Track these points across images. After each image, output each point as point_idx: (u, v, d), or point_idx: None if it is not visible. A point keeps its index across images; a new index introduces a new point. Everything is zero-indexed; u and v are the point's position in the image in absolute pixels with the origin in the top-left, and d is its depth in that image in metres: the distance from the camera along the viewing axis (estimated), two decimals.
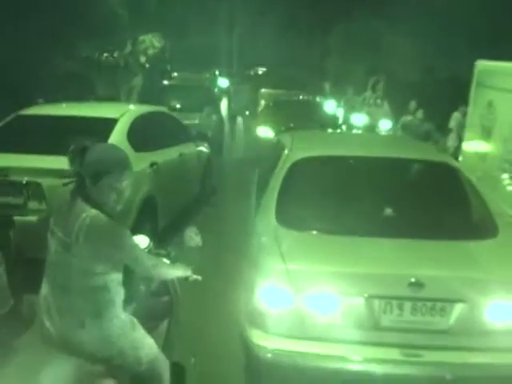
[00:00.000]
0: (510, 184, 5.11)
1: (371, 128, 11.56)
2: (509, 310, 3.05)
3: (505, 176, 5.18)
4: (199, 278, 2.66)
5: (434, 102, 11.07)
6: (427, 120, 9.57)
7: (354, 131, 11.70)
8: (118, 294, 2.30)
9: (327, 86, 18.77)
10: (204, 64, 24.79)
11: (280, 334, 3.11)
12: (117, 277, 2.28)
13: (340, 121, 13.18)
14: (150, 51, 22.92)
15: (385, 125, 11.13)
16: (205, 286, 4.04)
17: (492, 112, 5.85)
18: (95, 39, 18.74)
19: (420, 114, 9.61)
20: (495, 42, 15.41)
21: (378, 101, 12.27)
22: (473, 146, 6.38)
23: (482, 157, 5.94)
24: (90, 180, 2.24)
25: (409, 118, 9.88)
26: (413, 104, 10.02)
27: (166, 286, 2.72)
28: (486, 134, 5.90)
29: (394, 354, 3.07)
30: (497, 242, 3.49)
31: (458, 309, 3.04)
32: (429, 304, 3.05)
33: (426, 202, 3.83)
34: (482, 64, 6.55)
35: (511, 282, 3.10)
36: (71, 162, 2.27)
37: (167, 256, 2.69)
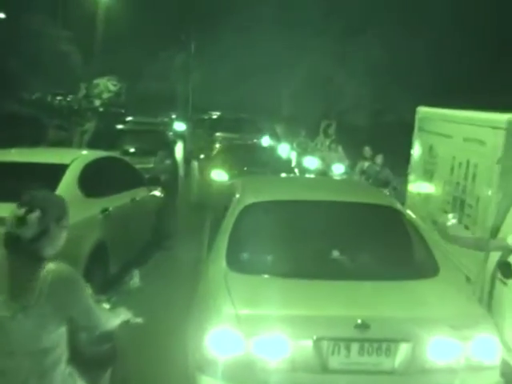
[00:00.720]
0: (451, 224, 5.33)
1: (324, 172, 11.75)
2: (450, 348, 3.16)
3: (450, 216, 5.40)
4: (140, 320, 2.66)
5: (384, 146, 11.29)
6: (385, 165, 9.56)
7: (306, 175, 11.93)
8: (65, 348, 2.25)
9: (280, 130, 19.21)
10: (160, 108, 24.97)
11: (230, 381, 3.10)
12: (64, 330, 2.22)
13: (293, 164, 13.42)
14: (105, 95, 22.97)
15: (338, 169, 11.29)
16: (153, 332, 4.02)
17: (433, 156, 6.16)
18: (46, 81, 18.65)
19: (379, 159, 9.55)
20: (438, 89, 16.33)
21: (333, 145, 12.51)
22: (416, 188, 6.67)
23: (426, 198, 6.21)
24: (55, 225, 2.18)
25: (366, 163, 9.89)
26: (367, 150, 10.05)
27: (108, 333, 2.68)
28: (429, 176, 6.19)
29: None
30: (438, 280, 3.65)
31: (402, 348, 3.13)
32: (375, 344, 3.13)
33: (371, 244, 3.97)
34: (422, 110, 6.93)
35: (452, 320, 3.22)
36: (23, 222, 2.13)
37: (108, 301, 2.68)
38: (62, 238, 2.26)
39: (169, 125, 20.11)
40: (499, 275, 4.19)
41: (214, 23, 29.31)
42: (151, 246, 7.39)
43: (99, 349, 2.69)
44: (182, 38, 32.86)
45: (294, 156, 14.40)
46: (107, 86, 23.07)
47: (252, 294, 3.38)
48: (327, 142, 13.31)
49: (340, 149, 12.30)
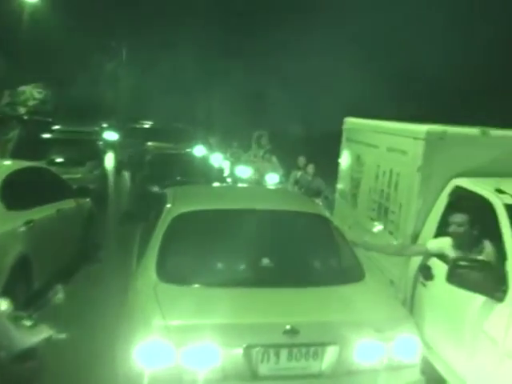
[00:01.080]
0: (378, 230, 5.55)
1: (258, 182, 11.79)
2: (374, 350, 3.28)
3: (375, 224, 5.61)
4: (63, 336, 2.59)
5: (317, 155, 11.49)
6: (317, 175, 9.71)
7: (239, 184, 11.99)
8: None
9: (213, 140, 19.24)
10: (91, 117, 24.31)
11: None
12: None
13: (226, 173, 13.46)
14: (31, 103, 22.03)
15: (272, 179, 11.29)
16: (80, 347, 3.91)
17: (359, 165, 6.40)
18: None
19: (311, 168, 9.69)
20: (365, 99, 16.99)
21: (267, 155, 12.59)
22: (344, 196, 6.88)
23: (353, 206, 6.42)
24: None
25: (299, 173, 10.00)
26: (301, 159, 10.21)
27: (30, 350, 2.58)
28: (356, 185, 6.41)
29: None
30: (363, 284, 3.79)
31: (330, 352, 3.22)
32: (303, 349, 3.20)
33: (300, 252, 4.08)
34: (349, 121, 7.18)
35: (376, 323, 3.34)
36: None
37: (29, 318, 2.58)
38: None
39: (99, 134, 19.65)
40: (420, 278, 4.40)
41: (146, 31, 28.97)
42: (79, 259, 7.16)
43: (22, 366, 2.58)
44: (112, 44, 32.28)
45: (227, 166, 14.47)
46: (32, 93, 22.13)
47: (182, 304, 3.36)
48: (261, 153, 13.41)
49: (274, 159, 12.37)
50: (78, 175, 10.30)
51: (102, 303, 5.44)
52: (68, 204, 6.82)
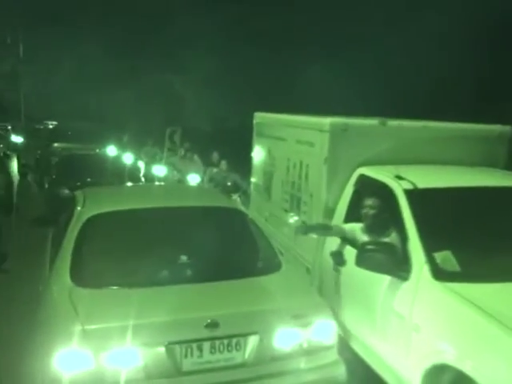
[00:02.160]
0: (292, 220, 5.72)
1: (180, 182, 11.48)
2: (293, 336, 3.42)
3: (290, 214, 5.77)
4: None
5: (231, 151, 11.48)
6: (231, 170, 9.64)
7: (156, 183, 11.76)
8: None
9: (125, 138, 18.71)
10: None
11: None
12: None
13: (141, 173, 13.14)
14: None
15: (194, 179, 10.86)
16: None
17: (271, 158, 6.56)
18: None
19: (224, 165, 9.65)
20: (276, 92, 17.30)
21: (188, 154, 12.31)
22: (258, 189, 7.03)
23: (267, 199, 6.58)
24: None
25: (214, 169, 9.92)
26: (215, 155, 10.18)
27: None
28: (268, 178, 6.57)
29: None
30: (280, 274, 3.92)
31: (251, 341, 3.31)
32: (225, 341, 3.27)
33: (217, 246, 4.11)
34: (259, 116, 7.31)
35: (293, 310, 3.48)
36: None
37: None
38: None
39: (4, 137, 18.51)
40: (333, 264, 4.61)
41: (45, 25, 27.46)
42: None
43: None
44: (7, 41, 30.40)
45: (142, 165, 14.14)
46: None
47: (99, 307, 3.31)
48: (182, 152, 13.13)
49: (196, 157, 12.07)
50: None
51: (13, 314, 5.19)
52: None
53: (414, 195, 4.02)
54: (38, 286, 4.35)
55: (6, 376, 4.12)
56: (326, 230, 4.72)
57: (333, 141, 4.77)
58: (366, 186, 4.53)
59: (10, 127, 24.39)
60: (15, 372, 3.97)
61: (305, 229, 4.99)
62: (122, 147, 16.35)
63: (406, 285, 3.66)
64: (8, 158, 13.61)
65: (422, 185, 4.14)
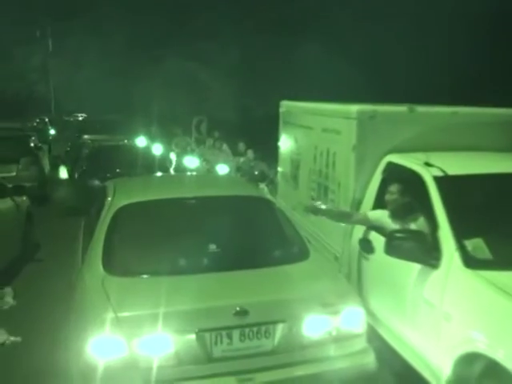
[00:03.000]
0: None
1: (209, 172, 11.43)
2: (322, 324, 3.43)
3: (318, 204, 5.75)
4: (18, 339, 2.55)
5: (257, 140, 11.41)
6: (258, 159, 9.67)
7: (186, 173, 11.73)
8: None
9: (153, 129, 18.77)
10: (20, 112, 23.26)
11: None
12: None
13: (173, 164, 13.09)
14: None
15: (222, 169, 10.72)
16: (31, 349, 3.84)
17: (298, 147, 6.55)
18: None
19: (250, 154, 9.66)
20: (296, 82, 17.18)
21: (217, 144, 12.24)
22: (285, 178, 7.03)
23: (294, 187, 6.58)
24: None
25: (242, 159, 9.94)
26: (241, 145, 10.16)
27: None
28: (295, 166, 6.56)
29: (230, 382, 3.25)
30: (308, 262, 3.93)
31: (279, 329, 3.34)
32: (255, 329, 3.30)
33: (245, 235, 4.16)
34: (285, 104, 7.30)
35: (322, 298, 3.49)
36: None
37: None
38: None
39: (39, 130, 18.86)
40: (361, 251, 4.60)
41: (73, 18, 27.81)
42: (21, 260, 6.95)
43: None
44: (36, 34, 30.87)
45: (173, 156, 14.12)
46: None
47: (131, 295, 3.38)
48: (211, 141, 13.09)
49: (225, 147, 11.99)
50: (13, 173, 9.94)
51: (48, 302, 5.34)
52: (4, 204, 6.58)
53: (443, 182, 3.96)
54: (71, 274, 4.46)
55: (41, 360, 4.25)
56: (341, 215, 4.70)
57: (360, 128, 4.72)
58: (395, 174, 4.48)
59: (47, 120, 24.80)
60: (50, 356, 4.09)
61: (313, 208, 4.91)
62: (152, 138, 16.44)
63: (436, 273, 3.63)
64: (40, 150, 13.87)
65: (451, 171, 4.07)
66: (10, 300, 2.62)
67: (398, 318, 4.05)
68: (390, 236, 3.82)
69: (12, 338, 2.51)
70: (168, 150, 14.51)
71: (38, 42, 31.34)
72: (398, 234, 3.79)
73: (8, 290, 2.67)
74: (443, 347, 3.44)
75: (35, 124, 20.34)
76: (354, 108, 4.82)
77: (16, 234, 6.95)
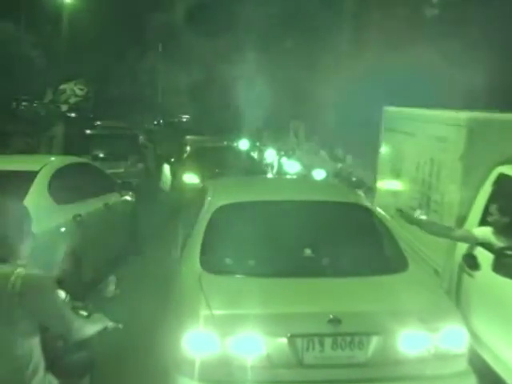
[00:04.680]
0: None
1: (306, 177, 11.40)
2: (420, 340, 3.27)
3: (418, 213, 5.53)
4: (119, 325, 2.68)
5: (352, 146, 11.20)
6: (356, 165, 9.51)
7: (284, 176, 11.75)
8: (41, 356, 2.25)
9: (265, 134, 18.71)
10: (130, 112, 24.69)
11: (208, 380, 3.14)
12: (37, 339, 2.22)
13: (274, 168, 13.18)
14: (72, 99, 22.62)
15: (319, 174, 10.63)
16: (130, 338, 4.04)
17: (399, 154, 6.33)
18: (10, 87, 18.20)
19: (349, 159, 9.58)
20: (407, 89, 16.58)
21: (314, 148, 12.23)
22: (385, 185, 6.83)
23: (394, 196, 6.36)
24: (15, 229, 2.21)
25: (339, 164, 9.83)
26: (340, 151, 10.08)
27: (84, 341, 2.68)
28: (396, 174, 6.35)
29: None
30: (407, 274, 3.77)
31: (374, 341, 3.23)
32: (348, 338, 3.22)
33: (342, 242, 4.07)
34: (389, 110, 7.09)
35: (421, 313, 3.33)
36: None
37: (85, 308, 2.68)
38: (27, 244, 2.27)
39: (149, 130, 19.93)
40: (465, 267, 4.34)
41: (183, 26, 29.05)
42: (125, 252, 7.36)
43: (76, 357, 2.69)
44: (148, 37, 32.52)
45: (275, 158, 14.19)
46: (74, 90, 22.71)
47: (226, 294, 3.44)
48: (309, 146, 13.10)
49: (322, 152, 11.91)
50: (121, 170, 10.57)
51: (145, 292, 5.60)
52: (113, 198, 7.01)
53: None
54: (169, 267, 4.64)
55: (139, 346, 4.46)
56: (442, 230, 4.45)
57: (470, 136, 4.46)
58: (506, 187, 4.18)
59: (161, 121, 26.10)
60: (148, 343, 4.30)
61: (408, 217, 4.67)
62: (258, 141, 16.57)
63: None
64: (147, 148, 14.66)
65: None
66: (112, 288, 2.76)
67: (505, 342, 3.76)
68: (499, 253, 3.57)
69: (113, 325, 2.64)
70: (273, 153, 14.58)
71: (149, 44, 33.00)
72: (509, 252, 3.53)
73: (112, 278, 2.82)
74: None
75: (154, 126, 21.38)
76: (463, 115, 4.57)
77: (122, 226, 7.37)
